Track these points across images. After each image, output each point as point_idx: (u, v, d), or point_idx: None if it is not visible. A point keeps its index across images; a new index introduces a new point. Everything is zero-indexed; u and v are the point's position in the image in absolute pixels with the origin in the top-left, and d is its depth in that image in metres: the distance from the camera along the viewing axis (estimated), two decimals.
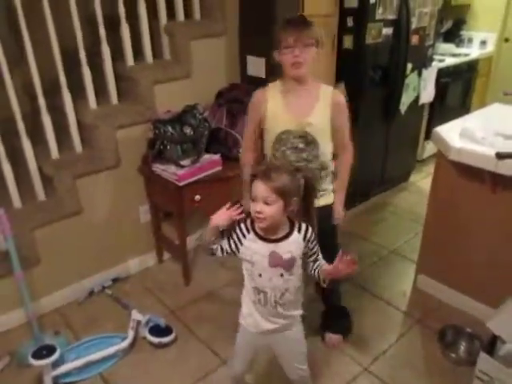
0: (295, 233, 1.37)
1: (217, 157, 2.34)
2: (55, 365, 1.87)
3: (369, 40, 2.81)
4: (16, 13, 1.98)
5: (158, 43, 2.54)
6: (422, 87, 3.40)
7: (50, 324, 2.24)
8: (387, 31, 2.91)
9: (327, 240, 1.56)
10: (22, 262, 2.02)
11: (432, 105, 3.77)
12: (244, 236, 1.38)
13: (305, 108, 1.68)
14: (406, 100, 3.27)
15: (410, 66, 3.16)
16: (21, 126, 2.10)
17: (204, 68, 2.60)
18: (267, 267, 1.36)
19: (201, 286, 2.52)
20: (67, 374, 1.92)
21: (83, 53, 2.23)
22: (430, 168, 2.40)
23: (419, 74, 3.31)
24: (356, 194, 3.28)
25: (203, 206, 2.34)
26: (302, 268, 1.42)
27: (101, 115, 2.33)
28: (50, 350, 1.83)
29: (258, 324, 1.47)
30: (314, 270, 1.44)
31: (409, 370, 1.96)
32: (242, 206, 1.38)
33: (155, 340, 2.08)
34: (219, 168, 2.33)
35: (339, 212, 1.86)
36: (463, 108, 4.10)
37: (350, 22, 2.78)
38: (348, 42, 2.84)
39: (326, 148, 1.74)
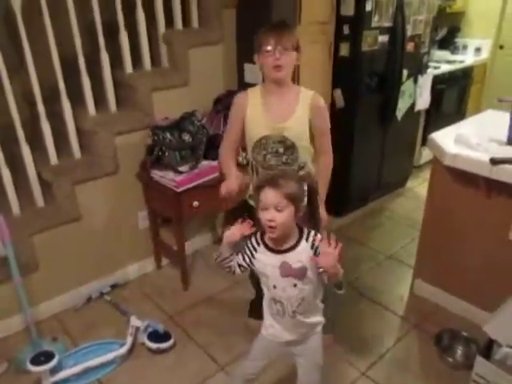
0: (303, 242, 1.37)
1: (215, 163, 2.35)
2: (53, 371, 1.87)
3: (365, 47, 2.84)
4: (16, 20, 2.00)
5: (157, 51, 2.57)
6: (418, 94, 3.43)
7: (47, 330, 2.24)
8: (383, 38, 2.95)
9: None
10: (21, 268, 2.03)
11: (428, 111, 3.80)
12: (255, 249, 1.41)
13: (283, 112, 1.70)
14: (402, 106, 3.31)
15: (405, 72, 3.19)
16: (20, 132, 2.11)
17: (202, 75, 2.63)
18: (279, 278, 1.36)
19: (199, 291, 2.53)
20: (65, 380, 1.92)
21: (82, 60, 2.25)
22: (427, 174, 2.42)
23: (415, 81, 3.35)
24: (353, 199, 3.31)
25: (201, 212, 2.35)
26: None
27: (100, 122, 2.34)
28: (49, 356, 1.83)
29: (279, 335, 1.48)
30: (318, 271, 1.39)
31: (406, 374, 1.97)
32: (252, 220, 1.39)
33: (154, 346, 2.08)
34: (217, 174, 2.34)
35: (323, 214, 1.83)
36: (459, 114, 4.13)
37: (346, 29, 2.82)
38: (344, 49, 2.87)
39: (304, 151, 1.75)
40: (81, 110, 2.35)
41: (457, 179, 2.09)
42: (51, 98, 2.23)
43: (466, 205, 2.10)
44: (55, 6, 2.09)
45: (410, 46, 3.17)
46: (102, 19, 2.24)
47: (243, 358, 1.69)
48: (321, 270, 1.34)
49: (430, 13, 3.26)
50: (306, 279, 1.37)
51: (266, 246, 1.39)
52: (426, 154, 3.92)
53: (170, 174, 2.25)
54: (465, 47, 4.60)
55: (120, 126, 2.37)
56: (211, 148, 2.42)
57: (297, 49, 1.65)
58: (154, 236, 2.67)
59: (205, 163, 2.35)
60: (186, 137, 2.34)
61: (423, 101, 3.54)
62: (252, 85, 2.64)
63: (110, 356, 2.01)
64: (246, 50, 2.68)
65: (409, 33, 3.09)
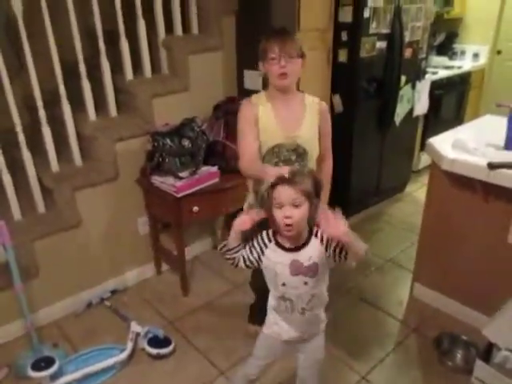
0: (313, 238, 1.37)
1: (214, 169, 2.37)
2: (54, 377, 1.87)
3: (363, 53, 2.87)
4: (16, 24, 2.01)
5: (157, 57, 2.58)
6: (416, 99, 3.45)
7: (48, 336, 2.24)
8: (381, 45, 2.97)
9: None
10: (22, 273, 2.03)
11: (426, 116, 3.83)
12: (266, 245, 1.39)
13: (293, 120, 1.72)
14: (400, 112, 3.33)
15: (403, 78, 3.22)
16: (21, 138, 2.12)
17: (201, 82, 2.65)
18: (289, 276, 1.36)
19: (199, 296, 2.53)
20: None
21: (83, 65, 2.26)
22: (426, 179, 2.43)
23: (413, 87, 3.37)
24: (352, 204, 3.32)
25: (201, 217, 2.36)
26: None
27: (100, 127, 2.36)
28: (49, 362, 1.84)
29: (283, 332, 1.48)
30: (339, 256, 1.33)
31: (406, 377, 1.97)
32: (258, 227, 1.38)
33: (154, 351, 2.09)
34: (217, 180, 2.36)
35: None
36: (457, 119, 4.16)
37: (344, 36, 2.85)
38: (343, 55, 2.90)
39: (313, 155, 1.79)
40: (81, 114, 2.36)
41: (455, 184, 2.10)
42: (52, 102, 2.25)
43: (464, 209, 2.12)
44: (56, 10, 2.11)
45: (407, 52, 3.20)
46: (102, 25, 2.25)
47: (245, 360, 1.69)
48: (335, 248, 1.30)
49: (428, 19, 3.29)
50: (317, 276, 1.37)
51: (277, 244, 1.38)
52: (424, 159, 3.94)
53: (170, 180, 2.27)
54: (463, 53, 4.64)
55: (120, 132, 2.38)
56: (211, 154, 2.44)
57: (302, 56, 1.66)
58: (153, 242, 2.68)
59: (204, 169, 2.36)
60: (186, 143, 2.35)
61: (421, 106, 3.56)
62: (252, 91, 2.67)
63: (110, 362, 2.01)
64: (246, 57, 2.72)
65: (407, 39, 3.12)
